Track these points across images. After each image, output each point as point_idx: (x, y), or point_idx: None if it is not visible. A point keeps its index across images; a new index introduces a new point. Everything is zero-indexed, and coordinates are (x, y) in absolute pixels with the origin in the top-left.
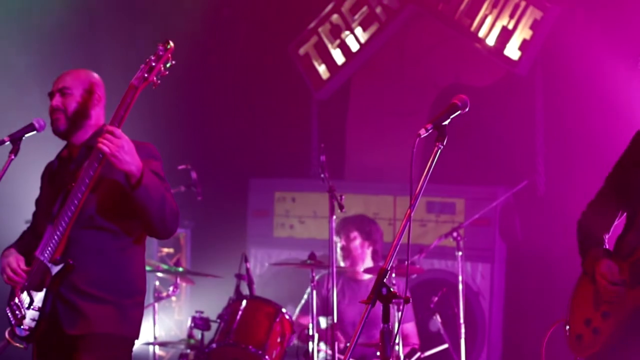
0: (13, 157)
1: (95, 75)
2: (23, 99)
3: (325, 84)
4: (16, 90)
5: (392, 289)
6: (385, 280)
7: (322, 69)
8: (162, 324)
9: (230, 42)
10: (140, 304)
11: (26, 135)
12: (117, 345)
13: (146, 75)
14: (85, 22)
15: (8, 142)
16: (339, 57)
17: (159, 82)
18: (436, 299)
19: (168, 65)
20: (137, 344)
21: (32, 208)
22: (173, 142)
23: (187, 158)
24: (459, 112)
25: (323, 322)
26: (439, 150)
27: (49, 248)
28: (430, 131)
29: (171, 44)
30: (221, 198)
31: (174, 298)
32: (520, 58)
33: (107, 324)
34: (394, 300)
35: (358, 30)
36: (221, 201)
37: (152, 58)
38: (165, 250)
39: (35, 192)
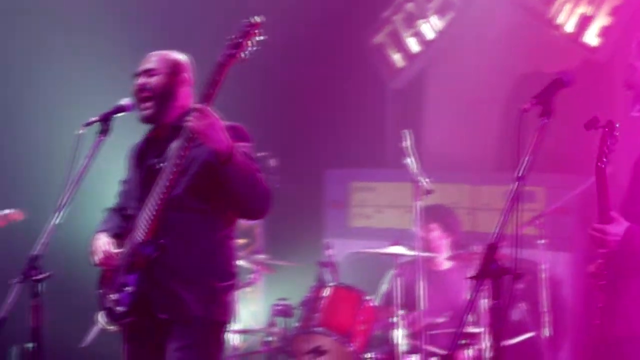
0: (103, 137)
1: (183, 56)
2: (112, 79)
3: (400, 72)
4: (105, 70)
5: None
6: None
7: (396, 58)
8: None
9: (305, 32)
10: (232, 287)
11: (116, 116)
12: (210, 329)
13: (233, 52)
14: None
15: (98, 123)
16: (413, 46)
17: (247, 58)
18: (521, 286)
19: (256, 40)
20: None
21: (113, 191)
22: (251, 129)
23: (264, 147)
24: (564, 86)
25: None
26: (545, 125)
27: (140, 230)
28: (534, 105)
29: (257, 19)
30: (296, 189)
31: (249, 289)
32: (599, 45)
33: (199, 307)
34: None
35: (433, 19)
36: (296, 192)
37: (238, 35)
38: (240, 241)
39: (116, 174)
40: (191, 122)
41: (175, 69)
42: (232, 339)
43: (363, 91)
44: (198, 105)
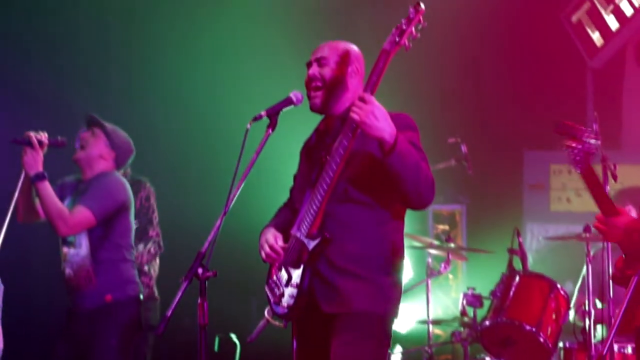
0: (270, 132)
1: (354, 46)
2: (279, 72)
3: (599, 51)
4: (271, 64)
5: None
6: None
7: (595, 36)
8: (439, 302)
9: (504, 9)
10: (399, 281)
11: (284, 110)
12: (375, 324)
13: (397, 39)
14: None
15: (265, 117)
16: (613, 23)
17: (410, 45)
18: None
19: (419, 27)
20: (413, 323)
21: (285, 185)
22: (444, 115)
23: (458, 131)
24: None
25: (599, 303)
26: None
27: (305, 223)
28: None
29: (422, 6)
30: (495, 172)
31: (450, 276)
32: None
33: (364, 301)
34: None
35: None
36: (496, 175)
37: (403, 21)
38: (441, 227)
39: (291, 168)
40: (353, 111)
41: (346, 58)
42: (429, 328)
43: (562, 71)
44: (361, 94)
